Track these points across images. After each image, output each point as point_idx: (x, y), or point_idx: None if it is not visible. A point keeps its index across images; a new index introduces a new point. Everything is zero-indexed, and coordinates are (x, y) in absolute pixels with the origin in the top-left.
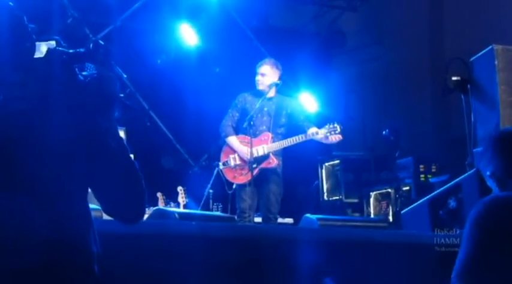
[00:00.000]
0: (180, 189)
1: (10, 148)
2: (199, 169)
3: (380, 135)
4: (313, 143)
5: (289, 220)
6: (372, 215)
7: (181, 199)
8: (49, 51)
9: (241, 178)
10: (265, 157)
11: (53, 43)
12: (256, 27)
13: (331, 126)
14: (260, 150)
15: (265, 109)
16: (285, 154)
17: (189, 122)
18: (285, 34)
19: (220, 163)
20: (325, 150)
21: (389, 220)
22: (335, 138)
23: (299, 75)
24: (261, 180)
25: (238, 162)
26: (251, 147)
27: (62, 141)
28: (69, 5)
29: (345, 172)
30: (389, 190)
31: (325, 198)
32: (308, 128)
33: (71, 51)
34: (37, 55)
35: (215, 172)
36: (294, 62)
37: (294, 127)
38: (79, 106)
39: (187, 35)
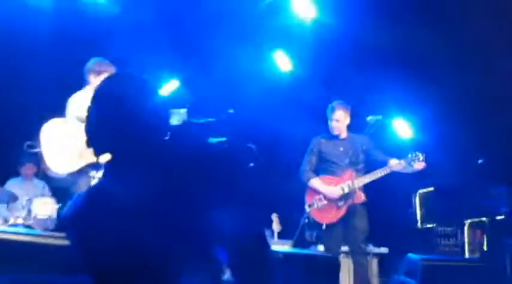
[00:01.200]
0: (274, 216)
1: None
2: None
3: (475, 161)
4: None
5: (384, 250)
6: (466, 245)
7: (276, 226)
8: (184, 120)
9: (330, 217)
10: (351, 193)
11: (184, 110)
12: (348, 52)
13: (413, 155)
14: (345, 187)
15: (341, 149)
16: (379, 182)
17: (283, 147)
18: (376, 59)
19: (306, 206)
20: (419, 178)
21: (483, 250)
22: (418, 165)
23: (392, 101)
24: (349, 215)
25: (324, 202)
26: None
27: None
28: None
29: (439, 199)
30: (484, 219)
31: (419, 225)
32: (387, 160)
33: (202, 120)
34: (173, 122)
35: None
36: (386, 87)
37: (372, 162)
38: (209, 175)
39: (281, 61)
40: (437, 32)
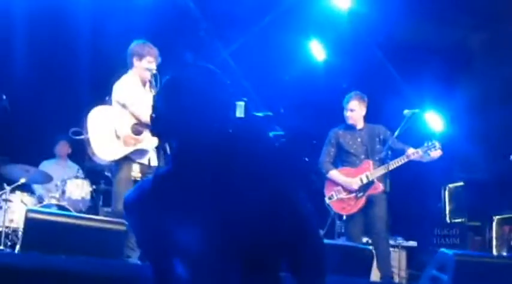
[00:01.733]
0: None
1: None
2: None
3: (506, 157)
4: (435, 164)
5: (413, 243)
6: (494, 240)
7: None
8: (246, 113)
9: (350, 208)
10: (370, 184)
11: (242, 103)
12: (382, 43)
13: (429, 143)
14: (364, 178)
15: (359, 140)
16: (408, 176)
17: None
18: (409, 51)
19: (326, 198)
20: (448, 171)
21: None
22: (435, 154)
23: (424, 93)
24: (368, 206)
25: (343, 193)
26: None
27: (247, 203)
28: (201, 17)
29: (468, 194)
30: None
31: (448, 220)
32: (405, 149)
33: (261, 114)
34: (238, 115)
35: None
36: (418, 79)
37: (390, 151)
38: (267, 168)
39: (316, 51)
40: (471, 24)
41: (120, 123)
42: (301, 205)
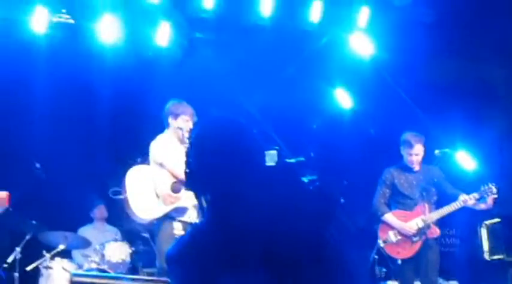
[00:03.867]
0: None
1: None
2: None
3: None
4: None
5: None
6: None
7: None
8: (279, 161)
9: (405, 252)
10: (426, 228)
11: (274, 152)
12: (407, 85)
13: (486, 187)
14: (420, 222)
15: (415, 182)
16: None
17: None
18: (435, 91)
19: (380, 241)
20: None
21: None
22: (491, 200)
23: (453, 132)
24: (423, 250)
25: (399, 237)
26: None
27: (290, 247)
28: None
29: (506, 230)
30: None
31: (486, 257)
32: (457, 195)
33: (293, 160)
34: (268, 163)
35: (375, 249)
36: (446, 119)
37: (442, 195)
38: (305, 213)
39: (342, 98)
40: (494, 60)
41: (159, 182)
42: (341, 247)
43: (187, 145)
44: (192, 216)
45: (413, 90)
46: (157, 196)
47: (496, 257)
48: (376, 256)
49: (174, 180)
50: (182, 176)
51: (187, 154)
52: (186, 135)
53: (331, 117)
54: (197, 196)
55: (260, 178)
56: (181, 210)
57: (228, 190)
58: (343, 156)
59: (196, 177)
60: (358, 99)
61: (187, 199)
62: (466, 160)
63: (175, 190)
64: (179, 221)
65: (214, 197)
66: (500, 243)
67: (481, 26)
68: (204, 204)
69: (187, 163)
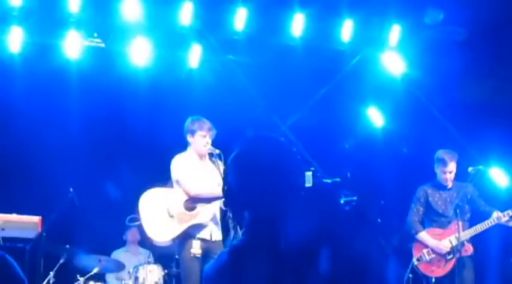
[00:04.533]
0: None
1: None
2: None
3: None
4: None
5: None
6: None
7: None
8: (315, 182)
9: (439, 270)
10: (460, 245)
11: (310, 173)
12: (439, 103)
13: None
14: (453, 240)
15: (448, 199)
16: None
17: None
18: (467, 109)
19: (414, 259)
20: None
21: None
22: None
23: (486, 150)
24: (458, 268)
25: (433, 255)
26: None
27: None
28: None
29: None
30: None
31: None
32: (491, 212)
33: (329, 180)
34: (307, 185)
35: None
36: (479, 136)
37: (475, 212)
38: (342, 233)
39: (374, 117)
40: None
41: (172, 202)
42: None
43: (215, 160)
44: (214, 233)
45: (446, 108)
46: (172, 216)
47: None
48: (410, 275)
49: (187, 198)
50: (194, 192)
51: (226, 172)
52: (203, 150)
53: (363, 136)
54: (235, 216)
55: (300, 199)
56: (199, 227)
57: (270, 211)
58: (377, 176)
59: (237, 196)
60: (390, 118)
61: (204, 215)
62: (499, 177)
63: (189, 208)
64: (198, 239)
65: (255, 217)
66: None
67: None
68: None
69: (227, 182)
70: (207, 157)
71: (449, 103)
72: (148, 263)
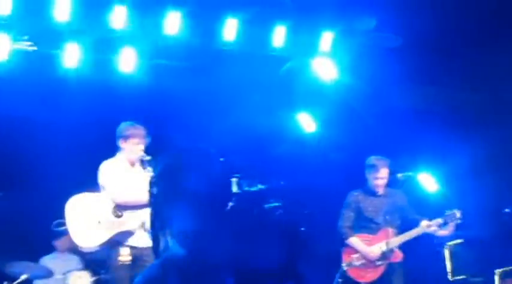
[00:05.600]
0: None
1: None
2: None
3: (502, 211)
4: None
5: None
6: None
7: None
8: (239, 189)
9: (368, 276)
10: (389, 252)
11: (235, 180)
12: (372, 110)
13: (450, 213)
14: (384, 246)
15: (379, 206)
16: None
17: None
18: (401, 115)
19: (344, 264)
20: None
21: None
22: (452, 226)
23: (417, 157)
24: (386, 274)
25: (362, 261)
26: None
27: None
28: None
29: (468, 251)
30: None
31: (450, 278)
32: (419, 220)
33: (254, 188)
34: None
35: (339, 273)
36: (414, 140)
37: (405, 219)
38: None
39: (306, 123)
40: (465, 88)
41: (100, 208)
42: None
43: (145, 167)
44: (142, 240)
45: (379, 114)
46: (99, 222)
47: (458, 277)
48: (340, 280)
49: (115, 205)
50: (122, 199)
51: (153, 183)
52: (134, 157)
53: (294, 142)
54: (161, 227)
55: (226, 207)
56: (128, 234)
57: (201, 223)
58: (307, 181)
59: (163, 208)
60: (322, 124)
61: (132, 222)
62: (429, 183)
63: (117, 215)
64: (127, 246)
65: (185, 229)
66: (463, 264)
67: (448, 50)
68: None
69: (152, 193)
70: (138, 163)
71: (382, 110)
72: (78, 269)
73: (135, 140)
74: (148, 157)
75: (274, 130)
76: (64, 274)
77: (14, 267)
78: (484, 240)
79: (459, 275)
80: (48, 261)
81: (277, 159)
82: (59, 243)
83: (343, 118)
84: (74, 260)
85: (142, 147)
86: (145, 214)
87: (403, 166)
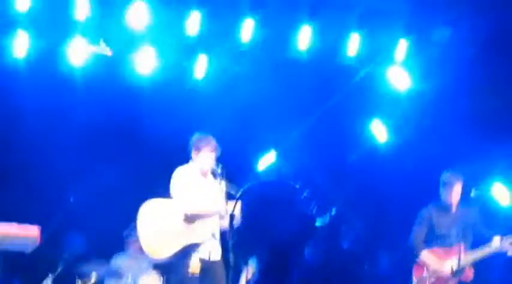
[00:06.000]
0: None
1: None
2: None
3: None
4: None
5: None
6: None
7: None
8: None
9: None
10: (462, 270)
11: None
12: (446, 120)
13: None
14: (454, 264)
15: (452, 222)
16: None
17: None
18: (475, 126)
19: (415, 279)
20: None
21: None
22: None
23: (492, 168)
24: None
25: (433, 278)
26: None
27: None
28: None
29: None
30: None
31: None
32: (492, 237)
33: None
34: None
35: None
36: (486, 150)
37: (477, 236)
38: None
39: (379, 131)
40: None
41: (172, 216)
42: None
43: (218, 177)
44: (213, 253)
45: (452, 124)
46: (171, 230)
47: None
48: None
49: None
50: (195, 211)
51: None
52: (207, 167)
53: (368, 151)
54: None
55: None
56: (197, 246)
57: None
58: (380, 191)
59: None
60: (395, 133)
61: (202, 233)
62: (503, 194)
63: (188, 222)
64: (198, 258)
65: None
66: None
67: None
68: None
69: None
70: (209, 174)
71: (456, 120)
72: (148, 270)
73: (208, 151)
74: (220, 168)
75: (348, 138)
76: (134, 275)
77: (85, 266)
78: None
79: None
80: (119, 261)
81: (350, 167)
82: (131, 242)
83: (417, 127)
84: (145, 260)
85: (214, 158)
86: (216, 225)
87: (477, 178)
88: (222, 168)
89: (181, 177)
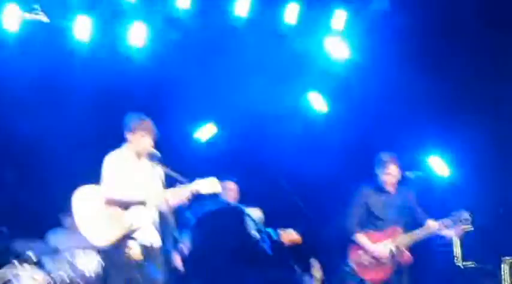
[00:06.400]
0: (314, 261)
1: None
2: None
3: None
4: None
5: None
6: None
7: (316, 272)
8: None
9: (374, 274)
10: (398, 253)
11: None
12: (382, 92)
13: (457, 214)
14: (391, 245)
15: (387, 204)
16: None
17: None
18: (408, 96)
19: (350, 261)
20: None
21: None
22: (463, 228)
23: (426, 138)
24: (394, 274)
25: (370, 259)
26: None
27: None
28: None
29: (477, 238)
30: None
31: (459, 264)
32: (425, 221)
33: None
34: None
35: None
36: (420, 124)
37: (412, 219)
38: None
39: (316, 102)
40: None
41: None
42: None
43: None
44: (153, 239)
45: (387, 95)
46: (107, 218)
47: (467, 264)
48: (347, 269)
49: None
50: (110, 195)
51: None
52: (143, 151)
53: (305, 121)
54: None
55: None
56: (139, 232)
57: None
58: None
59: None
60: (332, 104)
61: (141, 219)
62: (439, 167)
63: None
64: (138, 244)
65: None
66: (472, 251)
67: (455, 34)
68: None
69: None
70: (145, 157)
71: (391, 90)
72: (85, 248)
73: (142, 133)
74: (158, 153)
75: (283, 108)
76: (72, 252)
77: (21, 244)
78: (493, 227)
79: (468, 261)
80: (54, 238)
81: (284, 140)
82: (66, 219)
83: (354, 98)
84: (83, 238)
85: (151, 141)
86: (155, 210)
87: (413, 157)
88: (159, 154)
89: (111, 162)
